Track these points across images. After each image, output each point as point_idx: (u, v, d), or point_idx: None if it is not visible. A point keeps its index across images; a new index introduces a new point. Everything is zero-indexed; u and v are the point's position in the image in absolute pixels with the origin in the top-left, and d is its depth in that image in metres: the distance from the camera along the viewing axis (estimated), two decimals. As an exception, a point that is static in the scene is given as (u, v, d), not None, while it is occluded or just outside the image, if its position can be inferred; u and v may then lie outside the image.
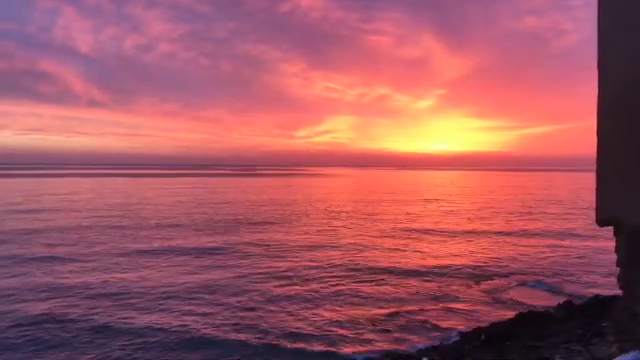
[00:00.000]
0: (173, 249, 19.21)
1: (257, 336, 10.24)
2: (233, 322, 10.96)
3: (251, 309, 11.94)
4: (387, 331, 10.83)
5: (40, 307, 11.81)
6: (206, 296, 12.95)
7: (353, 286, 14.50)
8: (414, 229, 26.87)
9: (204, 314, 11.51)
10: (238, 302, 12.41)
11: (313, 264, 16.79)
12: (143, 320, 11.00)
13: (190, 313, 11.58)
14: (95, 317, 11.13)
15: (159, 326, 10.58)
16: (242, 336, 10.16)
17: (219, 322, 10.93)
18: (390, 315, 11.93)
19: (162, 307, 11.97)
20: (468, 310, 12.34)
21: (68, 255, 17.86)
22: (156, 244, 20.28)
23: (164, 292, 13.17)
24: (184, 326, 10.64)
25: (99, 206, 36.88)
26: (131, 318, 11.13)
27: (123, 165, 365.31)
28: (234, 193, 57.63)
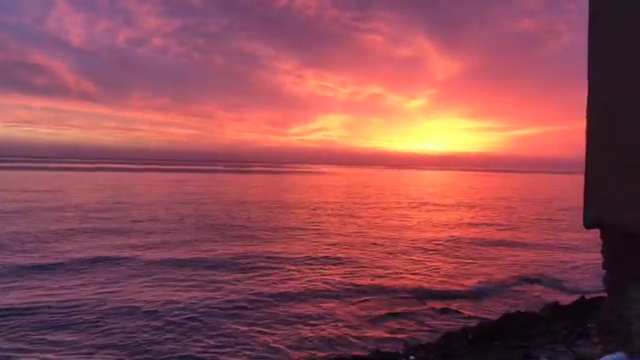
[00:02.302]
0: (152, 261, 16.80)
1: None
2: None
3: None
4: (375, 330, 10.87)
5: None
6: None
7: (327, 279, 14.55)
8: (404, 237, 27.02)
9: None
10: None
11: (307, 281, 15.10)
12: None
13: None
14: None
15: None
16: None
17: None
18: (378, 314, 11.98)
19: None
20: (455, 311, 12.41)
21: (38, 264, 16.00)
22: (136, 254, 18.02)
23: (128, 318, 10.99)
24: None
25: (85, 205, 35.11)
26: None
27: (114, 159, 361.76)
28: (224, 192, 57.48)
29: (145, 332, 10.19)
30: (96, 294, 12.81)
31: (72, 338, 9.83)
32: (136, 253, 18.25)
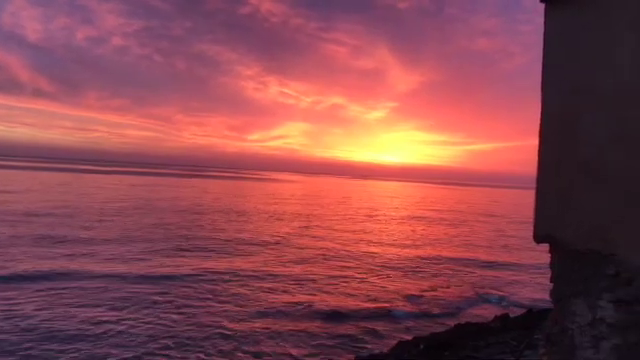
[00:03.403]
0: (95, 276, 15.68)
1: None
2: None
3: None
4: (326, 341, 10.84)
5: None
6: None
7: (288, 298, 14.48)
8: (361, 251, 27.19)
9: None
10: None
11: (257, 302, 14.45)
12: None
13: None
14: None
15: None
16: None
17: None
18: (331, 325, 11.97)
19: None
20: (408, 322, 12.55)
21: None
22: (80, 266, 16.77)
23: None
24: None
25: (34, 208, 33.15)
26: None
27: (68, 159, 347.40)
28: (180, 197, 56.43)
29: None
30: (30, 313, 11.86)
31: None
32: (80, 266, 17.04)
